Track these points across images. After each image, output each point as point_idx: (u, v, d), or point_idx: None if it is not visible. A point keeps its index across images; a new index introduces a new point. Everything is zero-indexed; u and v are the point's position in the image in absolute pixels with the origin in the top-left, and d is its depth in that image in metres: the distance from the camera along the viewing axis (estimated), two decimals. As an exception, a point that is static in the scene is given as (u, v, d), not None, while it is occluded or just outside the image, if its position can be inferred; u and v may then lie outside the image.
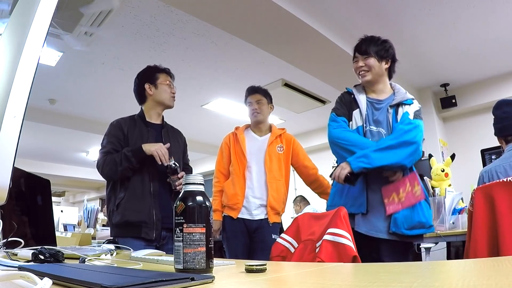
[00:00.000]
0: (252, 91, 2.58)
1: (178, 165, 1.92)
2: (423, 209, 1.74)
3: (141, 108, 2.09)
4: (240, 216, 2.38)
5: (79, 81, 4.56)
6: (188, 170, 2.20)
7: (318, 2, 3.16)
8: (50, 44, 3.60)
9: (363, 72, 1.85)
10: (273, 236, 2.32)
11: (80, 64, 4.13)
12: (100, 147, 2.01)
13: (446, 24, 3.52)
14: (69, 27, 3.31)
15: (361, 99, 1.87)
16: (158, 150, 1.87)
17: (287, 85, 4.59)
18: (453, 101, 4.86)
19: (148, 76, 2.05)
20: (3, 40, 0.70)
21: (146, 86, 2.03)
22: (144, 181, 1.92)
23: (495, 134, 2.21)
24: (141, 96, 2.08)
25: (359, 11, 3.33)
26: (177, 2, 2.82)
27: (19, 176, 1.36)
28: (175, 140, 2.12)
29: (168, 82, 2.06)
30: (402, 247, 1.74)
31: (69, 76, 4.40)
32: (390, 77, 1.95)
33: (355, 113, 1.86)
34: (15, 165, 0.59)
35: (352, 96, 1.91)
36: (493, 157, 3.21)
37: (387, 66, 1.87)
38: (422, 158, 4.34)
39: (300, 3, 3.03)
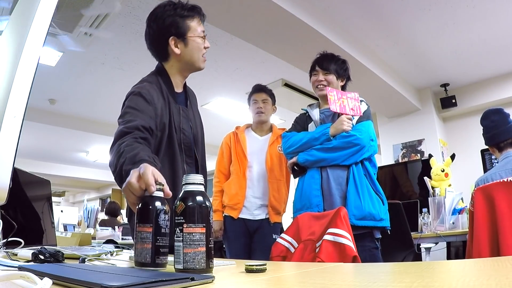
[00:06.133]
0: (259, 89, 2.58)
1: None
2: (373, 200, 1.78)
3: (163, 66, 1.46)
4: (240, 216, 2.38)
5: (79, 81, 4.56)
6: (204, 170, 1.57)
7: (318, 2, 3.16)
8: (50, 44, 3.60)
9: (321, 86, 1.97)
10: (274, 236, 2.32)
11: (80, 64, 4.13)
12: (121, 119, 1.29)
13: (446, 24, 3.52)
14: (69, 27, 3.31)
15: (315, 113, 2.02)
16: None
17: (287, 85, 4.59)
18: (453, 101, 4.86)
19: (174, 25, 1.37)
20: (3, 40, 0.70)
21: (171, 42, 1.38)
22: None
23: (486, 143, 2.24)
24: (161, 54, 1.44)
25: (359, 11, 3.33)
26: (177, 2, 2.82)
27: (19, 176, 1.36)
28: (198, 116, 1.59)
29: (201, 33, 1.43)
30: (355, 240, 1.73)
31: (69, 76, 4.40)
32: None
33: (310, 125, 2.02)
34: (15, 165, 0.59)
35: (307, 114, 2.08)
36: (493, 157, 3.21)
37: (342, 84, 2.03)
38: (422, 158, 4.35)
39: (300, 3, 3.03)
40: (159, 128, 1.33)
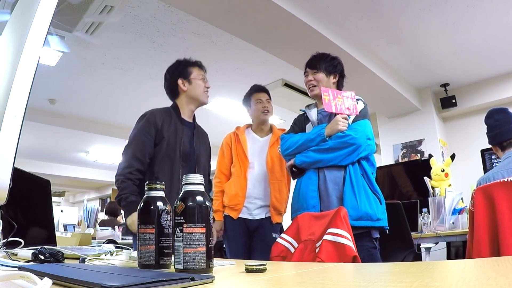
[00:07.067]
0: (262, 89, 2.58)
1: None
2: (370, 200, 1.77)
3: (175, 102, 2.01)
4: (240, 216, 2.38)
5: (79, 81, 4.56)
6: (210, 183, 2.19)
7: (318, 2, 3.16)
8: (50, 44, 3.60)
9: (311, 86, 1.98)
10: (274, 235, 2.32)
11: (80, 64, 4.13)
12: (126, 142, 1.89)
13: (446, 24, 3.52)
14: (69, 27, 3.31)
15: (312, 113, 2.01)
16: None
17: (287, 85, 4.59)
18: (453, 101, 4.86)
19: (181, 71, 1.98)
20: (3, 40, 0.70)
21: (179, 81, 1.97)
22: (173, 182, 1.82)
23: (490, 143, 2.24)
24: (173, 92, 2.01)
25: (359, 11, 3.33)
26: (177, 2, 2.82)
27: (19, 176, 1.36)
28: (204, 144, 2.08)
29: (201, 76, 2.00)
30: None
31: (69, 76, 4.40)
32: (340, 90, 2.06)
33: (308, 126, 2.01)
34: (15, 165, 0.59)
35: (305, 114, 2.07)
36: (493, 157, 3.21)
37: (335, 80, 2.01)
38: (422, 158, 4.35)
39: (300, 3, 3.03)
40: (159, 138, 1.84)
